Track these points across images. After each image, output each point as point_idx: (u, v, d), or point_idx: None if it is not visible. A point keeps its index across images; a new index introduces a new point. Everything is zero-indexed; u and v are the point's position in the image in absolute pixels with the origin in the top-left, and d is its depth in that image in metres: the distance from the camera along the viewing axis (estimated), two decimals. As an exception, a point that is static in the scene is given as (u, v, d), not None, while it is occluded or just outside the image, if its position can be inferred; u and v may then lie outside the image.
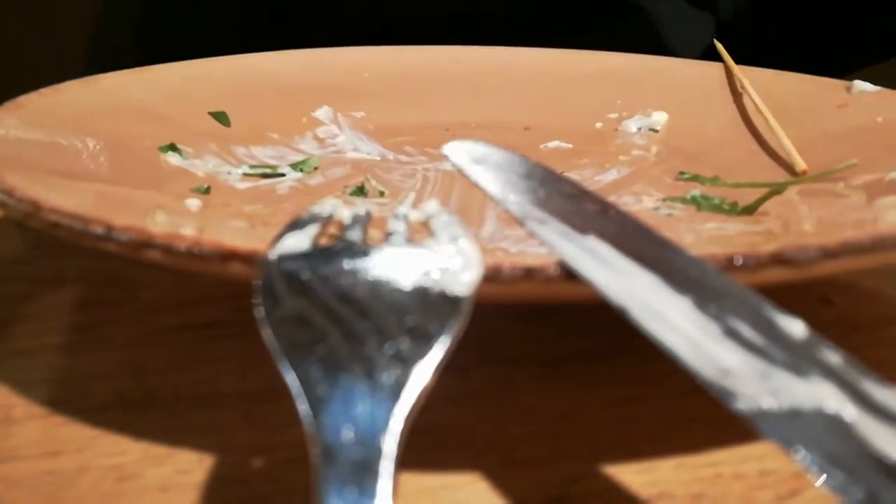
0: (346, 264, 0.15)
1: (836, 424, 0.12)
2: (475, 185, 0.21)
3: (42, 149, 0.28)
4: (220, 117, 0.37)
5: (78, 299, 0.27)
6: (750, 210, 0.28)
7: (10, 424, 0.20)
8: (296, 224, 0.17)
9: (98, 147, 0.30)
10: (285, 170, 0.34)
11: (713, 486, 0.17)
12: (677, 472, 0.18)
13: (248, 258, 0.17)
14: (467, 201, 0.31)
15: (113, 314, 0.25)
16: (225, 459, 0.19)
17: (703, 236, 0.26)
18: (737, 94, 0.40)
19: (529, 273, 0.16)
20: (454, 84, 0.44)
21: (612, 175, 0.34)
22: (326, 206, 0.19)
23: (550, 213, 0.18)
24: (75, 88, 0.34)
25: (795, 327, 0.14)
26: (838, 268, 0.17)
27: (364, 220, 0.18)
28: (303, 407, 0.12)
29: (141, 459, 0.18)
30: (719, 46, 0.44)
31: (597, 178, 0.34)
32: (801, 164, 0.32)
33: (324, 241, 0.16)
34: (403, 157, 0.37)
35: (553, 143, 0.39)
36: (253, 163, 0.35)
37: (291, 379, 0.13)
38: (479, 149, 0.21)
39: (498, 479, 0.18)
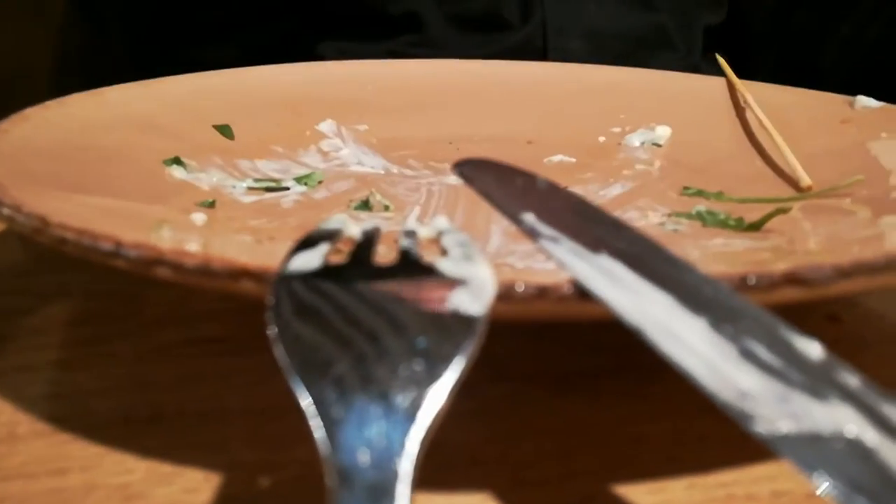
0: (359, 284, 0.15)
1: (857, 449, 0.12)
2: (483, 201, 0.21)
3: (48, 162, 0.28)
4: (224, 130, 0.37)
5: (82, 313, 0.26)
6: (756, 226, 0.28)
7: (15, 441, 0.20)
8: (306, 241, 0.17)
9: (103, 160, 0.30)
10: (290, 183, 0.34)
11: (726, 506, 0.17)
12: (689, 492, 0.18)
13: (259, 275, 0.16)
14: (472, 216, 0.31)
15: (117, 329, 0.25)
16: (232, 478, 0.18)
17: (709, 252, 0.26)
18: (739, 109, 0.40)
19: (543, 292, 0.16)
20: (457, 98, 0.44)
21: (616, 190, 0.34)
22: (335, 221, 0.19)
23: (562, 230, 0.18)
24: (80, 101, 0.34)
25: (812, 349, 0.14)
26: (851, 287, 0.17)
27: (374, 237, 0.18)
28: (317, 429, 0.12)
29: (147, 478, 0.18)
30: (721, 60, 0.44)
31: (601, 193, 0.34)
32: (806, 179, 0.32)
33: (335, 259, 0.16)
34: (408, 171, 0.37)
35: (556, 158, 0.39)
36: (257, 176, 0.35)
37: (305, 399, 0.13)
38: (487, 165, 0.21)
39: (508, 499, 0.17)
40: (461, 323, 0.14)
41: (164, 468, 0.19)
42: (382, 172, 0.37)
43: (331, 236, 0.18)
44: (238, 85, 0.41)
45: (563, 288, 0.16)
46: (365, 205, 0.32)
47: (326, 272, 0.15)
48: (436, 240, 0.19)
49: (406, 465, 0.12)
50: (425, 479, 0.14)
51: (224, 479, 0.18)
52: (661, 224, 0.30)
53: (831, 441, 0.12)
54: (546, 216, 0.18)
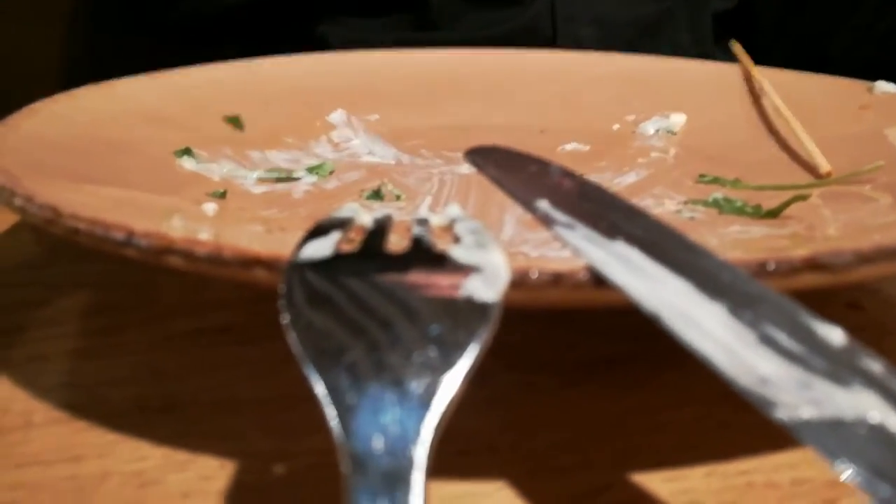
0: (371, 271, 0.15)
1: (880, 435, 0.12)
2: (496, 190, 0.21)
3: (58, 154, 0.28)
4: (235, 122, 0.37)
5: (94, 303, 0.27)
6: (774, 213, 0.28)
7: (31, 429, 0.20)
8: (318, 230, 0.17)
9: (113, 152, 0.30)
10: (301, 174, 0.34)
11: (745, 495, 0.17)
12: (708, 480, 0.18)
13: (271, 264, 0.16)
14: (485, 204, 0.31)
15: (130, 318, 0.25)
16: (246, 466, 0.18)
17: (727, 240, 0.26)
18: (755, 95, 0.40)
19: (558, 278, 0.15)
20: (468, 87, 0.44)
21: (630, 178, 0.34)
22: (347, 210, 0.19)
23: (577, 217, 0.17)
24: (89, 94, 0.34)
25: (834, 335, 0.14)
26: (872, 273, 0.17)
27: (386, 225, 0.18)
28: (332, 416, 0.12)
29: (162, 465, 0.18)
30: (737, 47, 0.43)
31: (615, 181, 0.34)
32: (825, 165, 0.31)
33: (347, 247, 0.16)
34: (419, 161, 0.37)
35: (570, 146, 0.39)
36: (268, 167, 0.34)
37: (320, 387, 0.13)
38: (500, 152, 0.21)
39: (524, 488, 0.17)
40: (475, 310, 0.14)
41: (179, 455, 0.19)
42: (393, 162, 0.37)
43: (342, 224, 0.18)
44: (248, 76, 0.41)
45: (579, 274, 0.15)
46: (376, 194, 0.32)
47: (338, 260, 0.15)
48: (448, 228, 0.19)
49: (421, 452, 0.12)
50: (440, 466, 0.14)
51: (238, 466, 0.18)
52: (678, 212, 0.30)
53: (854, 427, 0.12)
54: (560, 203, 0.18)
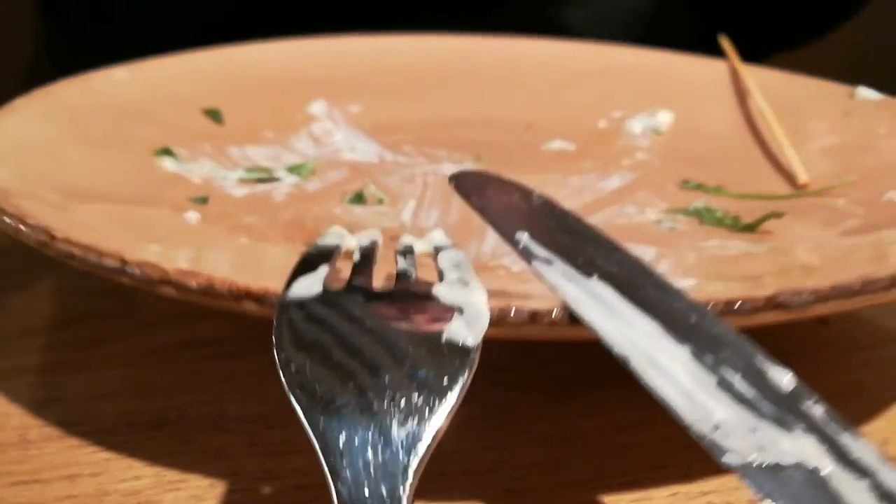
0: (358, 312, 0.17)
1: (813, 479, 0.14)
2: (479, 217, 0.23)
3: (41, 159, 0.29)
4: (214, 115, 0.39)
5: (78, 312, 0.28)
6: (751, 227, 0.30)
7: (28, 446, 0.22)
8: (306, 263, 0.19)
9: (95, 154, 0.32)
10: (281, 173, 0.35)
11: (705, 515, 0.19)
12: (672, 500, 0.20)
13: (261, 298, 0.18)
14: (467, 212, 0.33)
15: (115, 328, 0.27)
16: (235, 486, 0.20)
17: (705, 255, 0.28)
18: (741, 95, 0.42)
19: (534, 317, 0.17)
20: (454, 76, 0.45)
21: (615, 181, 0.36)
22: (333, 237, 0.21)
23: (555, 251, 0.19)
24: (66, 90, 0.35)
25: (784, 378, 0.16)
26: (832, 309, 0.19)
27: (371, 254, 0.20)
28: (321, 459, 0.14)
29: (155, 485, 0.20)
30: (725, 43, 0.45)
31: (600, 185, 0.36)
32: (803, 176, 0.34)
33: (334, 285, 0.18)
34: (402, 159, 0.38)
35: (555, 144, 0.40)
36: (248, 165, 0.36)
37: (309, 431, 0.14)
38: (484, 179, 0.23)
39: (500, 508, 0.20)
40: (457, 353, 0.16)
41: (170, 474, 0.21)
42: (376, 160, 0.38)
43: (329, 255, 0.20)
44: (225, 64, 0.42)
45: (554, 314, 0.17)
46: (359, 198, 0.34)
47: (327, 300, 0.17)
48: (434, 254, 0.20)
49: (405, 494, 0.14)
50: (418, 489, 0.16)
51: (227, 486, 0.20)
52: (658, 221, 0.32)
53: (792, 471, 0.14)
54: (540, 235, 0.20)
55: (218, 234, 0.28)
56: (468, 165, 0.38)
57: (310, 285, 0.18)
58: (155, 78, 0.39)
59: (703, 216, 0.32)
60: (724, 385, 0.16)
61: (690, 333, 0.17)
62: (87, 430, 0.22)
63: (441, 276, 0.19)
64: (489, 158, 0.38)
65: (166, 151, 0.34)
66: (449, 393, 0.15)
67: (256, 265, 0.24)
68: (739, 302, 0.18)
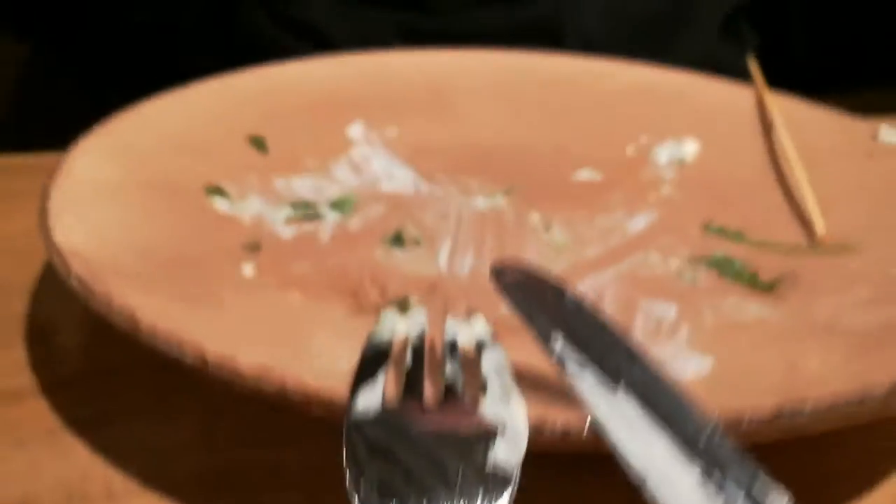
0: (413, 433, 0.20)
1: None
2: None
3: (109, 209, 0.32)
4: (258, 143, 0.41)
5: (151, 358, 0.31)
6: (768, 288, 0.32)
7: (114, 500, 0.25)
8: (364, 369, 0.22)
9: (151, 195, 0.34)
10: (324, 210, 0.38)
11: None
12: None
13: (328, 405, 0.21)
14: (500, 255, 0.35)
15: (185, 377, 0.30)
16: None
17: (722, 320, 0.30)
18: (766, 125, 0.44)
19: (566, 435, 0.20)
20: (486, 94, 0.47)
21: (640, 222, 0.38)
22: (385, 330, 0.24)
23: (586, 358, 0.22)
24: (124, 124, 0.38)
25: (780, 500, 0.19)
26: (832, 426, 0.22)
27: (420, 358, 0.23)
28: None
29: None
30: (754, 68, 0.46)
31: (626, 226, 0.38)
32: (820, 228, 0.36)
33: (391, 403, 0.21)
34: (437, 190, 0.41)
35: (583, 174, 0.43)
36: (293, 199, 0.39)
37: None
38: (523, 275, 0.25)
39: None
40: (500, 473, 0.19)
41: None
42: (412, 191, 0.41)
43: (384, 355, 0.22)
44: (266, 86, 0.44)
45: (584, 432, 0.20)
46: (398, 239, 0.36)
47: (385, 418, 0.20)
48: (476, 353, 0.23)
49: None
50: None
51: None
52: (680, 273, 0.34)
53: None
54: (573, 340, 0.23)
55: (273, 293, 0.31)
56: (499, 199, 0.40)
57: (370, 402, 0.21)
58: (201, 105, 0.41)
59: (724, 268, 0.34)
60: (729, 508, 0.19)
61: (701, 452, 0.20)
62: (162, 484, 0.25)
63: (484, 385, 0.22)
64: (520, 190, 0.41)
65: (217, 190, 0.37)
66: (495, 512, 0.18)
67: (315, 349, 0.27)
68: (748, 419, 0.21)
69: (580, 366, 0.22)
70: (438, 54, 0.49)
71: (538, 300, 0.24)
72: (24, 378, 0.30)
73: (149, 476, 0.26)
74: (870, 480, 0.26)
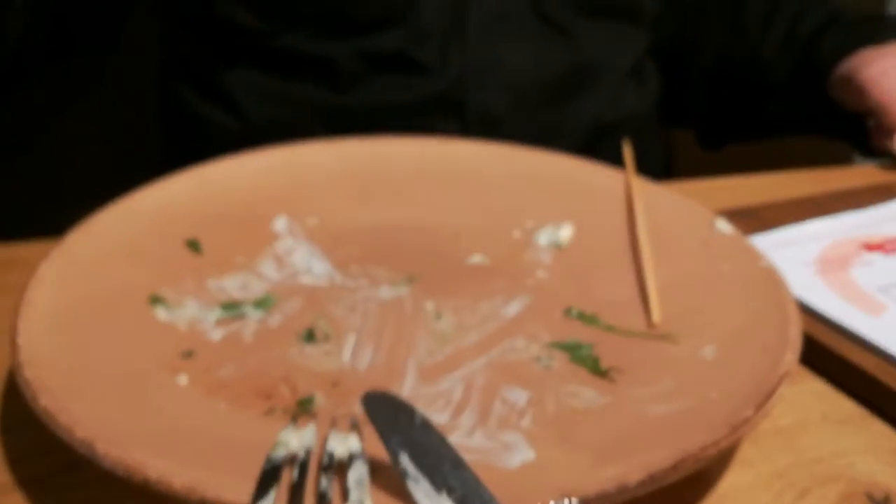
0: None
1: None
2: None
3: (62, 333, 0.40)
4: (194, 246, 0.50)
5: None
6: (603, 374, 0.42)
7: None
8: (261, 485, 0.31)
9: (103, 310, 0.43)
10: (248, 310, 0.47)
11: None
12: None
13: (233, 514, 0.30)
14: (395, 346, 0.45)
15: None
16: None
17: (560, 406, 0.40)
18: (631, 210, 0.53)
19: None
20: (398, 181, 0.56)
21: (515, 307, 0.48)
22: (280, 449, 0.33)
23: (422, 470, 0.31)
24: (74, 237, 0.46)
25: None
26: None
27: (304, 473, 0.32)
28: None
29: None
30: (626, 149, 0.56)
31: (502, 312, 0.47)
32: (656, 315, 0.45)
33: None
34: (349, 283, 0.50)
35: (475, 259, 0.52)
36: (223, 299, 0.47)
37: None
38: (386, 401, 0.34)
39: None
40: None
41: None
42: (328, 285, 0.50)
43: (277, 472, 0.32)
44: (199, 188, 0.53)
45: (415, 530, 0.30)
46: (310, 335, 0.45)
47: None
48: (347, 461, 0.32)
49: None
50: None
51: None
52: (538, 358, 0.44)
53: None
54: (415, 456, 0.32)
55: (202, 401, 0.40)
56: (402, 288, 0.49)
57: (262, 513, 0.30)
58: (141, 213, 0.50)
59: (574, 353, 0.44)
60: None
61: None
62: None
63: (347, 494, 0.31)
64: (420, 277, 0.50)
65: (157, 299, 0.46)
66: None
67: (232, 463, 0.35)
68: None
69: (416, 476, 0.31)
70: (355, 144, 0.58)
71: (393, 422, 0.33)
72: (2, 474, 0.39)
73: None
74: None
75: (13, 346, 0.38)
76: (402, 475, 0.31)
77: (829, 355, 0.45)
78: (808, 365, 0.45)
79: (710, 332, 0.43)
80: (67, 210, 0.49)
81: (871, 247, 0.53)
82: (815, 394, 0.44)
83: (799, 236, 0.54)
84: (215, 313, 0.46)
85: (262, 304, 0.48)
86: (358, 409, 0.36)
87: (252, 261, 0.51)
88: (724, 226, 0.49)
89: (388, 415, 0.34)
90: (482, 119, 0.66)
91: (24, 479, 0.38)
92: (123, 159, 0.76)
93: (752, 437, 0.41)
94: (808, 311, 0.47)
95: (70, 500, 0.38)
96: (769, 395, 0.36)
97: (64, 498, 0.37)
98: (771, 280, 0.44)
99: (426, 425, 0.34)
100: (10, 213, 0.61)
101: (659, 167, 0.76)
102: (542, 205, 0.54)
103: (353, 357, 0.44)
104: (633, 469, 0.32)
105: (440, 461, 0.32)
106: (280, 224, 0.53)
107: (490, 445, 0.37)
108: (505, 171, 0.57)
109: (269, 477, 0.32)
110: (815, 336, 0.45)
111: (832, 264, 0.51)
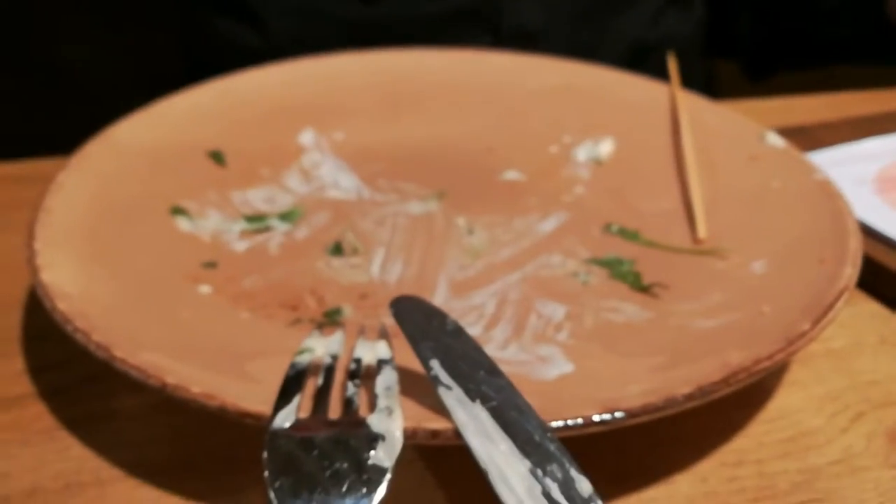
0: (318, 440, 0.28)
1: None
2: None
3: (89, 244, 0.39)
4: (217, 157, 0.48)
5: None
6: (645, 289, 0.40)
7: (102, 486, 0.33)
8: (284, 391, 0.30)
9: (123, 220, 0.42)
10: (274, 222, 0.45)
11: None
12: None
13: (258, 419, 0.29)
14: (425, 261, 0.43)
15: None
16: (247, 520, 0.32)
17: (599, 321, 0.38)
18: (676, 123, 0.50)
19: (435, 435, 0.28)
20: (427, 95, 0.54)
21: (551, 224, 0.46)
22: (305, 355, 0.32)
23: (454, 378, 0.30)
24: (95, 149, 0.45)
25: (584, 486, 0.27)
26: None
27: (330, 379, 0.31)
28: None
29: (193, 520, 0.32)
30: (671, 64, 0.53)
31: (537, 228, 0.45)
32: (702, 230, 0.43)
33: (303, 416, 0.29)
34: (377, 196, 0.48)
35: (509, 175, 0.50)
36: (248, 212, 0.46)
37: (288, 530, 0.26)
38: (415, 305, 0.33)
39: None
40: (378, 470, 0.27)
41: (203, 511, 0.32)
42: (355, 199, 0.48)
43: (302, 378, 0.30)
44: (224, 99, 0.51)
45: (448, 434, 0.28)
46: (338, 249, 0.44)
47: (297, 429, 0.28)
48: (377, 368, 0.31)
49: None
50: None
51: (244, 521, 0.32)
52: (576, 274, 0.42)
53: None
54: (446, 363, 0.30)
55: (224, 310, 0.38)
56: (432, 204, 0.47)
57: (287, 417, 0.29)
58: (163, 122, 0.48)
59: (614, 268, 0.42)
60: (546, 496, 0.27)
61: (532, 450, 0.28)
62: (140, 472, 0.34)
63: (374, 402, 0.30)
64: (451, 193, 0.48)
65: (179, 210, 0.44)
66: (373, 497, 0.26)
67: (254, 372, 0.34)
68: (570, 421, 0.29)
69: (448, 384, 0.30)
70: (383, 56, 0.55)
71: (424, 328, 0.32)
72: (24, 385, 0.38)
73: (130, 465, 0.34)
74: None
75: (30, 252, 0.37)
76: (434, 382, 0.30)
77: (888, 276, 0.42)
78: (865, 286, 0.43)
79: (760, 247, 0.41)
80: (88, 130, 0.47)
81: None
82: (872, 315, 0.42)
83: (855, 155, 0.51)
84: (239, 225, 0.45)
85: (289, 216, 0.46)
86: (388, 321, 0.35)
87: (278, 174, 0.49)
88: (774, 139, 0.46)
89: (419, 320, 0.32)
90: (516, 34, 0.63)
91: (46, 390, 0.38)
92: (146, 80, 0.73)
93: (802, 359, 0.39)
94: (865, 231, 0.44)
95: (91, 410, 0.37)
96: (827, 309, 0.34)
97: (85, 409, 0.37)
98: (826, 193, 0.42)
99: (459, 331, 0.32)
100: (29, 133, 0.60)
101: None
102: (580, 119, 0.52)
103: (382, 271, 0.43)
104: (681, 381, 0.30)
105: (473, 368, 0.31)
106: (307, 137, 0.51)
107: (525, 357, 0.36)
108: (541, 85, 0.54)
109: (292, 382, 0.30)
110: (873, 256, 0.43)
111: (893, 183, 0.48)
